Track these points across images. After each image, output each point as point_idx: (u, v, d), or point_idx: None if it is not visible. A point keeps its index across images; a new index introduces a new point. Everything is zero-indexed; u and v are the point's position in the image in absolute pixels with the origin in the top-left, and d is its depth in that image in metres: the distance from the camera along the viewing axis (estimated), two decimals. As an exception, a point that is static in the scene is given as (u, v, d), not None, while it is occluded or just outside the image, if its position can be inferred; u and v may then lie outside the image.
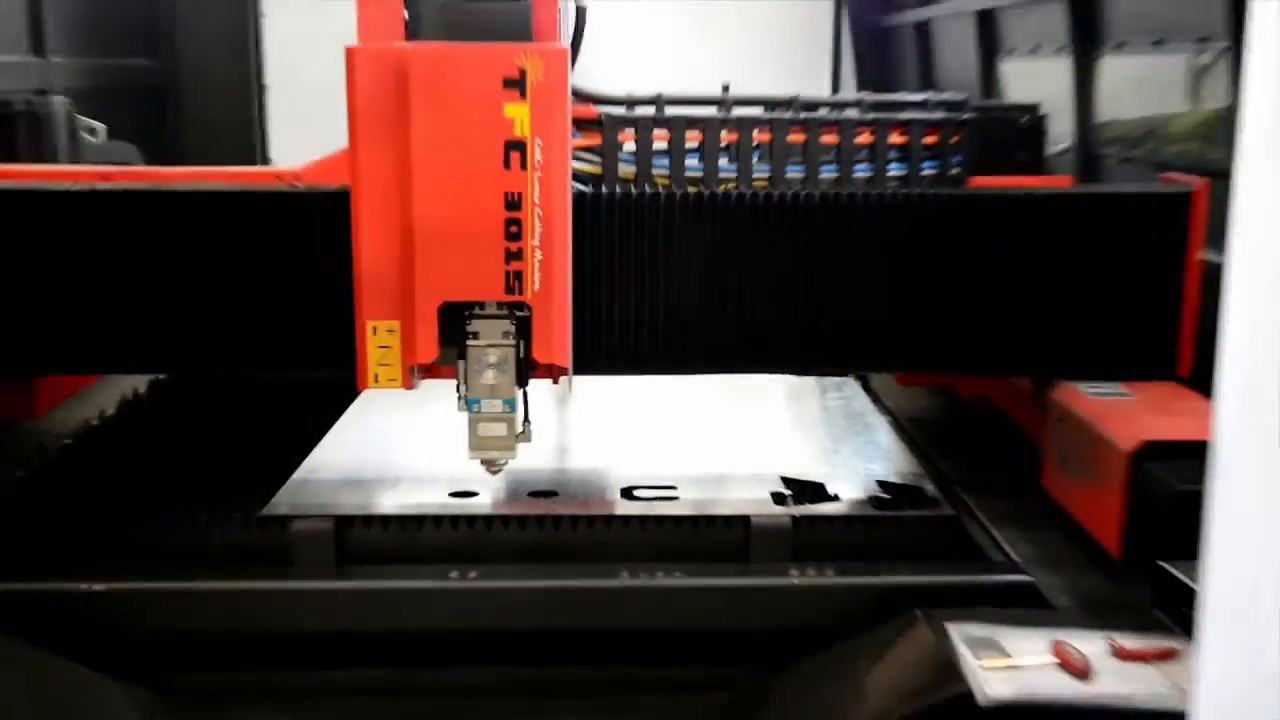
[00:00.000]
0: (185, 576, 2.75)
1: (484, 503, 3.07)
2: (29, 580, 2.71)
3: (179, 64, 6.50)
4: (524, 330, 2.71)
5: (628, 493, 3.15)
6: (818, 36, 6.58)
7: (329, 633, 2.74)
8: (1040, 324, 3.11)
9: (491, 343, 2.71)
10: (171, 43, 6.50)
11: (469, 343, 2.71)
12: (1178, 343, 3.08)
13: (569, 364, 2.77)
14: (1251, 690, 1.58)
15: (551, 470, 3.31)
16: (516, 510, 3.00)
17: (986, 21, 5.09)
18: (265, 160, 6.32)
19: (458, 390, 2.77)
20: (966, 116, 3.31)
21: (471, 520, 2.92)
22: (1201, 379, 2.92)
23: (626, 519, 2.95)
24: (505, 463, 2.84)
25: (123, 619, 2.71)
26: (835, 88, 6.49)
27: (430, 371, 2.79)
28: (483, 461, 2.83)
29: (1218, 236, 2.69)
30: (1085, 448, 2.89)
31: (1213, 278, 2.82)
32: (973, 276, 3.08)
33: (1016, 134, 3.56)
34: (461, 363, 2.73)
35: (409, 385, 2.76)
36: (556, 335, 2.72)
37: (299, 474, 3.23)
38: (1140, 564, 2.63)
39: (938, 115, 3.30)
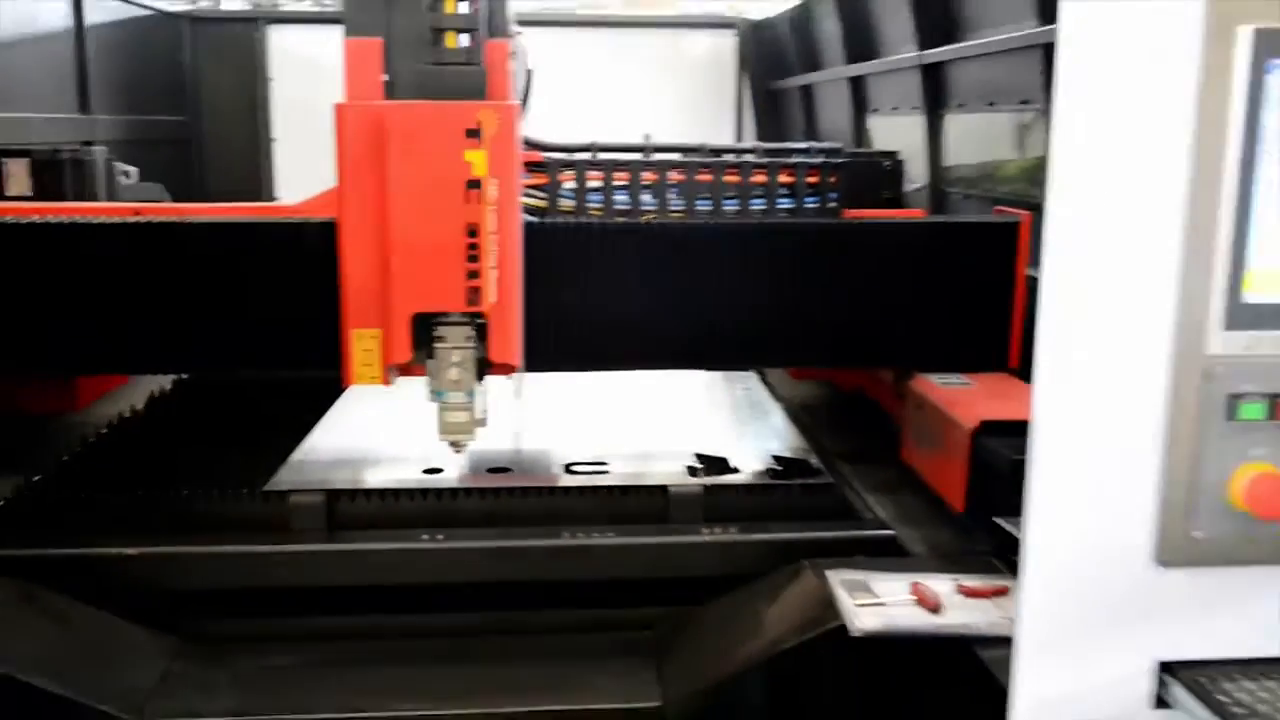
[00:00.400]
0: (203, 542, 2.68)
1: (450, 478, 3.04)
2: (70, 546, 2.63)
3: (201, 120, 6.41)
4: (482, 335, 2.69)
5: (569, 468, 3.13)
6: (724, 96, 6.61)
7: (322, 587, 2.69)
8: (901, 327, 3.13)
9: (456, 345, 2.67)
10: (196, 102, 6.41)
11: (437, 345, 2.68)
12: (1009, 342, 3.11)
13: (520, 363, 2.75)
14: (1061, 617, 1.60)
15: (506, 450, 3.28)
16: (477, 484, 2.97)
17: (857, 85, 5.12)
18: (272, 198, 6.24)
19: (428, 384, 2.74)
20: (841, 161, 3.32)
21: (440, 493, 2.86)
22: (1027, 371, 2.95)
23: (568, 489, 2.93)
24: (467, 444, 2.81)
25: (151, 578, 2.64)
26: (738, 137, 6.51)
27: (405, 370, 2.76)
28: (449, 443, 2.80)
29: (1038, 257, 2.80)
30: (936, 427, 2.90)
31: (1034, 289, 2.88)
32: (847, 289, 3.09)
33: (881, 175, 3.59)
34: (431, 362, 2.70)
35: (387, 382, 2.72)
36: (510, 339, 2.69)
37: (296, 455, 3.17)
38: (980, 519, 2.64)
39: (818, 160, 3.30)
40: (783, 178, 3.27)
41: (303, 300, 2.90)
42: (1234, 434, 1.53)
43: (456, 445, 2.81)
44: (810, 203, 3.29)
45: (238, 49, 6.38)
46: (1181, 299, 1.48)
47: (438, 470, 3.08)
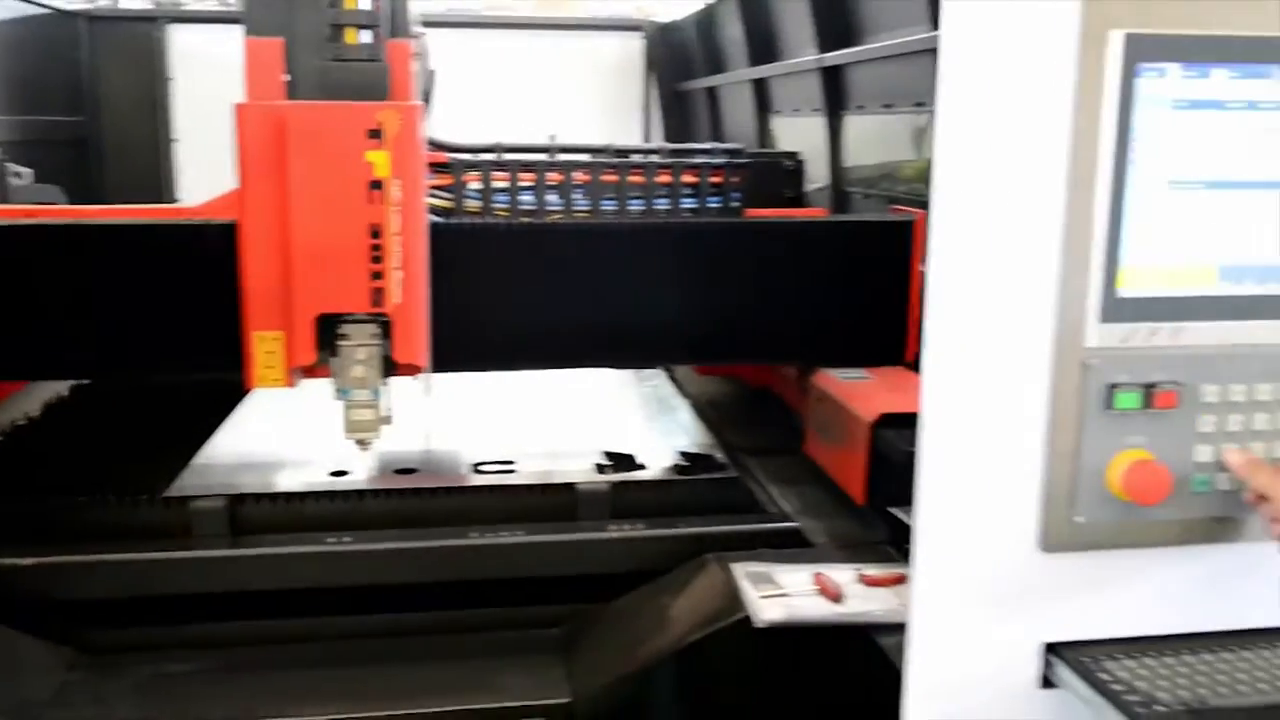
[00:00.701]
0: (101, 550, 2.60)
1: (357, 480, 2.99)
2: None
3: (100, 120, 6.21)
4: (387, 333, 2.64)
5: (477, 468, 3.10)
6: (632, 97, 6.61)
7: (225, 593, 2.62)
8: (802, 323, 3.16)
9: (360, 343, 2.62)
10: (94, 102, 6.20)
11: (341, 344, 2.62)
12: (906, 336, 3.16)
13: (427, 363, 2.70)
14: (951, 603, 1.63)
15: (414, 451, 3.23)
16: (384, 485, 2.93)
17: (760, 88, 5.16)
18: (173, 200, 6.07)
19: (333, 383, 2.68)
20: (743, 161, 3.38)
21: (346, 495, 2.82)
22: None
23: (476, 489, 2.90)
24: (373, 442, 2.75)
25: (48, 589, 2.55)
26: (646, 138, 6.53)
27: (310, 372, 2.69)
28: (355, 440, 2.74)
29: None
30: (837, 420, 2.93)
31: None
32: (751, 287, 3.11)
33: (782, 175, 3.64)
34: (335, 360, 2.64)
35: (291, 384, 2.66)
36: (415, 339, 2.64)
37: (198, 460, 3.10)
38: (879, 509, 2.69)
39: (720, 160, 3.35)
40: (686, 178, 3.32)
41: (205, 303, 2.80)
42: (1111, 423, 1.57)
43: (362, 443, 2.75)
44: (713, 203, 3.35)
45: (137, 48, 6.19)
46: (1060, 294, 1.52)
47: (344, 473, 3.03)
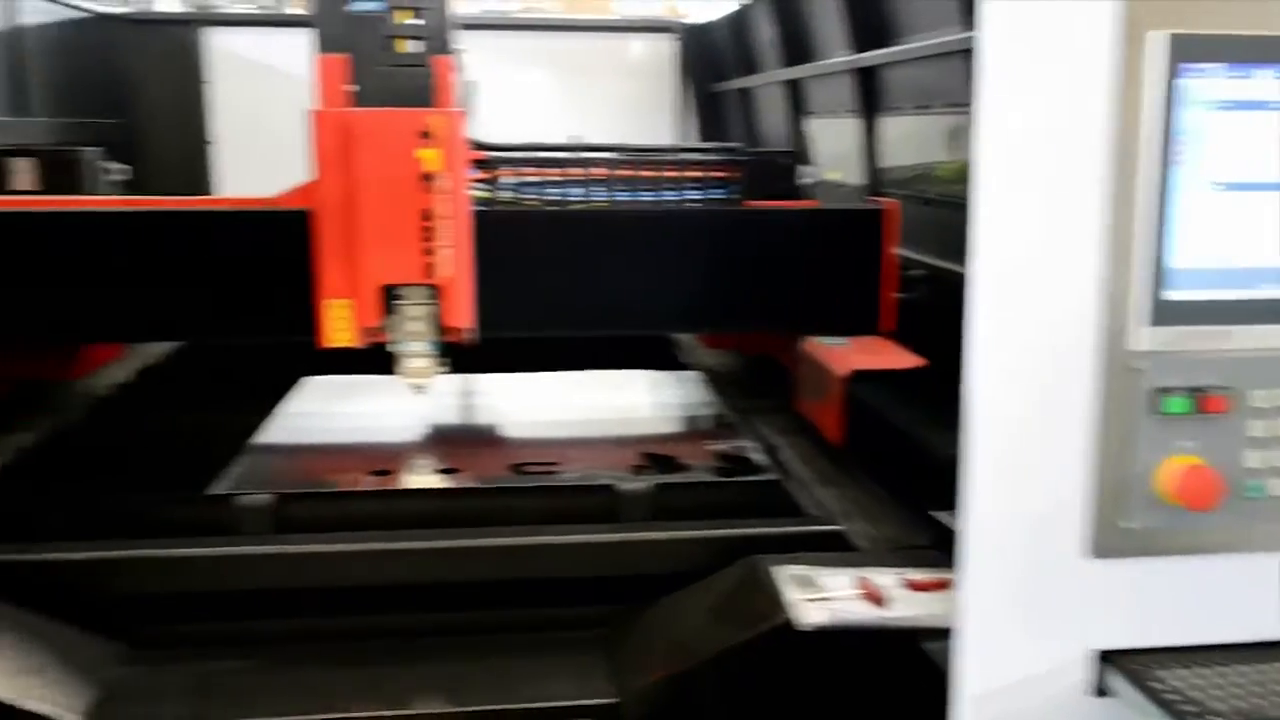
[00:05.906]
0: (150, 545, 2.62)
1: (399, 480, 3.02)
2: (14, 551, 2.56)
3: (139, 123, 6.29)
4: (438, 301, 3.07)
5: (518, 468, 3.12)
6: (664, 98, 6.65)
7: (272, 590, 2.65)
8: (794, 297, 3.58)
9: (415, 302, 3.08)
10: (134, 105, 6.29)
11: (398, 304, 3.07)
12: (878, 309, 3.59)
13: (473, 324, 3.14)
14: (1000, 609, 1.63)
15: (456, 453, 3.27)
16: (425, 485, 2.96)
17: (794, 89, 5.16)
18: None
19: (391, 340, 3.09)
20: (740, 159, 3.77)
21: (389, 494, 2.86)
22: (897, 335, 3.58)
23: (517, 489, 2.92)
24: (427, 385, 3.15)
25: (98, 583, 2.58)
26: (680, 138, 6.59)
27: (374, 335, 3.11)
28: (411, 384, 3.14)
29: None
30: (819, 378, 3.35)
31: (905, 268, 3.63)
32: (749, 266, 3.54)
33: (776, 171, 3.94)
34: (394, 318, 3.08)
35: (359, 343, 3.09)
36: (462, 305, 3.10)
37: (242, 458, 3.14)
38: (855, 451, 3.14)
39: (721, 158, 3.75)
40: (691, 173, 3.71)
41: (287, 276, 3.21)
42: (1160, 427, 1.57)
43: (417, 387, 3.14)
44: (716, 194, 3.73)
45: (175, 51, 6.26)
46: (1104, 297, 1.52)
47: (386, 473, 3.06)
